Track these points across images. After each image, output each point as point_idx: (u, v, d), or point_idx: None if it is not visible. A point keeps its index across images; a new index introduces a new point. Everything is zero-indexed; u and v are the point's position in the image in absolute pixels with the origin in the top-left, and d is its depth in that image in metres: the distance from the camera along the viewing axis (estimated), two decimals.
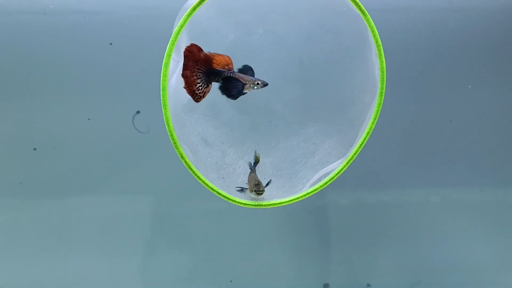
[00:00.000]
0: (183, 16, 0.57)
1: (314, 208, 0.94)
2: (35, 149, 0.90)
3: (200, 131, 0.69)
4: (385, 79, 0.60)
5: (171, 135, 0.59)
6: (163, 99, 0.58)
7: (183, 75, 0.61)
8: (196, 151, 0.66)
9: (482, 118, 0.92)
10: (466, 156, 0.93)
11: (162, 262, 0.94)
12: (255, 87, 0.63)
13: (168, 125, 0.59)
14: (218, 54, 0.62)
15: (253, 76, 0.64)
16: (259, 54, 0.71)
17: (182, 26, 0.57)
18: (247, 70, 0.64)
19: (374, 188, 0.94)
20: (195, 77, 0.61)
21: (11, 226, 0.92)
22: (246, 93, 0.64)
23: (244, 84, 0.63)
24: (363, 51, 0.63)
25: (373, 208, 0.94)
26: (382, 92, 0.61)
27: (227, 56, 0.62)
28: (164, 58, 0.57)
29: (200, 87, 0.62)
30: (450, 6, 0.87)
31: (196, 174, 0.60)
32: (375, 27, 0.59)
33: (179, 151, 0.60)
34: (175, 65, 0.60)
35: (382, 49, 0.60)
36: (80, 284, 0.93)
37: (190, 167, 0.60)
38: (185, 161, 0.60)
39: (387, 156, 0.92)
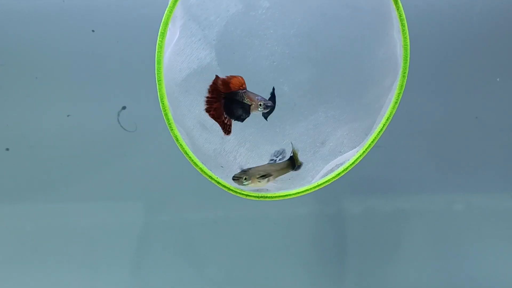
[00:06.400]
0: None
1: (322, 217, 0.92)
2: (7, 149, 0.88)
3: (197, 114, 0.66)
4: (408, 58, 0.58)
5: (166, 114, 0.57)
6: (158, 74, 0.56)
7: (210, 109, 0.63)
8: (192, 136, 0.64)
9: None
10: (494, 157, 0.91)
11: (151, 277, 0.92)
12: (259, 109, 0.64)
13: (163, 103, 0.56)
14: (233, 76, 0.64)
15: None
16: (264, 30, 0.67)
17: None
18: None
19: (390, 194, 0.92)
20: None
21: None
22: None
23: (250, 105, 0.64)
24: (384, 28, 0.60)
25: (388, 216, 0.92)
26: (404, 73, 0.58)
27: (240, 76, 0.64)
28: (161, 27, 0.55)
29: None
30: None
31: (193, 160, 0.58)
32: None
33: (174, 133, 0.57)
34: (170, 37, 0.59)
35: (406, 23, 0.57)
36: None
37: (186, 152, 0.58)
38: (180, 145, 0.58)
39: (404, 158, 0.90)
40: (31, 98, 0.86)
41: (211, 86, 0.62)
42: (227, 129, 0.65)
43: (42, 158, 0.88)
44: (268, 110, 0.64)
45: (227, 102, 0.64)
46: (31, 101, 0.86)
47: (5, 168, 0.88)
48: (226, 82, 0.63)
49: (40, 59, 0.85)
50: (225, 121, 0.64)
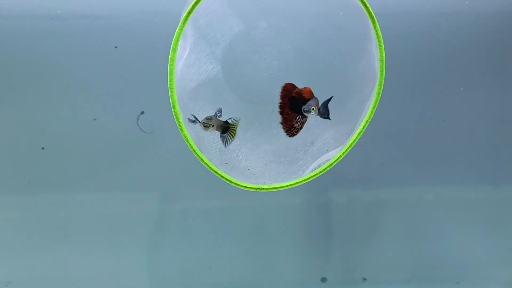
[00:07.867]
0: (192, 3, 0.58)
1: (312, 206, 0.94)
2: (43, 148, 0.90)
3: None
4: (384, 69, 0.60)
5: (177, 117, 0.58)
6: (170, 83, 0.57)
7: (284, 113, 0.65)
8: (200, 137, 0.65)
9: (474, 118, 0.91)
10: (459, 155, 0.92)
11: (165, 258, 0.94)
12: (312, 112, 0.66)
13: (174, 108, 0.58)
14: (304, 88, 0.66)
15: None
16: (263, 47, 0.71)
17: (190, 12, 0.57)
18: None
19: (370, 186, 0.93)
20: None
21: (20, 223, 0.92)
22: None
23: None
24: (364, 44, 0.63)
25: (369, 205, 0.94)
26: (381, 82, 0.60)
27: (308, 87, 0.66)
28: (172, 43, 0.57)
29: (299, 119, 0.65)
30: (444, 11, 0.87)
31: (200, 157, 0.59)
32: (375, 18, 0.59)
33: (184, 134, 0.58)
34: (181, 52, 0.61)
35: (382, 39, 0.59)
36: (86, 280, 0.93)
37: (194, 150, 0.59)
38: (189, 144, 0.59)
39: (382, 155, 0.92)
40: (63, 104, 0.87)
41: (282, 91, 0.65)
42: (293, 132, 0.65)
43: (72, 156, 0.89)
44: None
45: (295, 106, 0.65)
46: (63, 107, 0.87)
47: (41, 164, 0.89)
48: (299, 93, 0.65)
49: (71, 71, 0.86)
50: (295, 125, 0.65)
